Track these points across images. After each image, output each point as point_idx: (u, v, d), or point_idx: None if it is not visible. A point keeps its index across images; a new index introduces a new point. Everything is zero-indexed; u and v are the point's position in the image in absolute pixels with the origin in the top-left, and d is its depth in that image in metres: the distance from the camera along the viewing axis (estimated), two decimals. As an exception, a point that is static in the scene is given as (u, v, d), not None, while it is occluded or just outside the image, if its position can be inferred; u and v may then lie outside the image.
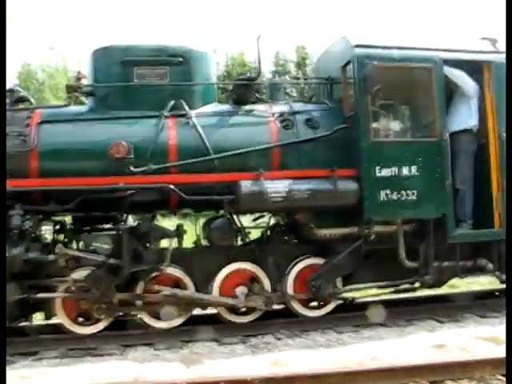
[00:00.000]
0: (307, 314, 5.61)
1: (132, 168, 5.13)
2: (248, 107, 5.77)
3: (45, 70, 20.88)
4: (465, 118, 5.84)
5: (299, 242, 5.86)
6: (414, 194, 5.44)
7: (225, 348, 4.91)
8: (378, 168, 5.36)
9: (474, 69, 5.85)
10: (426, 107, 5.71)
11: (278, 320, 5.53)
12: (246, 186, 5.18)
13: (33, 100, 5.83)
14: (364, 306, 5.82)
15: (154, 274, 5.21)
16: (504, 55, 5.81)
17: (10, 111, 5.22)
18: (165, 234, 5.22)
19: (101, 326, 5.21)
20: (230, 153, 5.38)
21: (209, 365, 4.42)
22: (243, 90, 5.83)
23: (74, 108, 5.66)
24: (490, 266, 5.83)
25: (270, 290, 5.51)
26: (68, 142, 5.23)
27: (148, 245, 5.14)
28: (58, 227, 5.56)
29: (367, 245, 5.49)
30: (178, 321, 5.35)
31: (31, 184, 4.99)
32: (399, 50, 5.54)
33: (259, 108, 5.78)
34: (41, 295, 4.99)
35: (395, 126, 5.61)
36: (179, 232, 5.47)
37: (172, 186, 5.11)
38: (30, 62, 21.13)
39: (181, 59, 5.63)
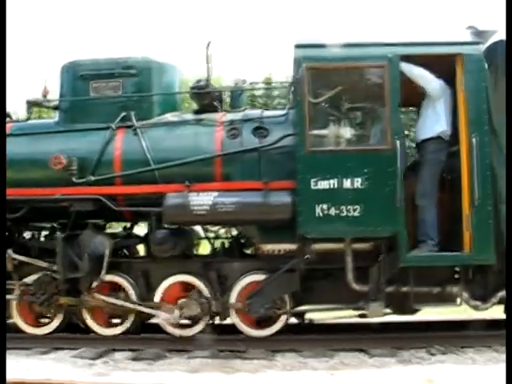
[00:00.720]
0: (252, 333, 5.34)
1: (74, 179, 5.38)
2: (201, 116, 5.67)
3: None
4: (431, 123, 5.06)
5: (247, 257, 5.60)
6: (357, 209, 4.86)
7: (375, 360, 4.75)
8: (314, 180, 4.88)
9: (447, 64, 5.03)
10: (376, 111, 5.06)
11: (432, 333, 5.38)
12: (171, 198, 5.11)
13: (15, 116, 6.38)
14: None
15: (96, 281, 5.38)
16: (481, 46, 4.92)
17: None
18: (101, 243, 5.36)
19: (53, 325, 5.56)
20: (168, 164, 5.35)
21: (357, 376, 4.29)
22: (197, 98, 5.75)
23: (41, 122, 6.11)
24: (465, 295, 4.98)
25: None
26: (25, 153, 5.64)
27: (85, 253, 5.33)
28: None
29: (308, 263, 5.04)
30: (121, 328, 5.48)
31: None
32: (346, 48, 4.98)
33: (211, 117, 5.64)
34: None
35: (339, 133, 5.04)
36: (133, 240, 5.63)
37: (101, 197, 5.26)
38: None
39: (133, 71, 5.74)
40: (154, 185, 5.35)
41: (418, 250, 4.94)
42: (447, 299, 5.05)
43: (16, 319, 5.58)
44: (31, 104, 5.89)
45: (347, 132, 5.00)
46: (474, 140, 4.79)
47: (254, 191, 5.07)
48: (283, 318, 5.31)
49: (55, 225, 6.18)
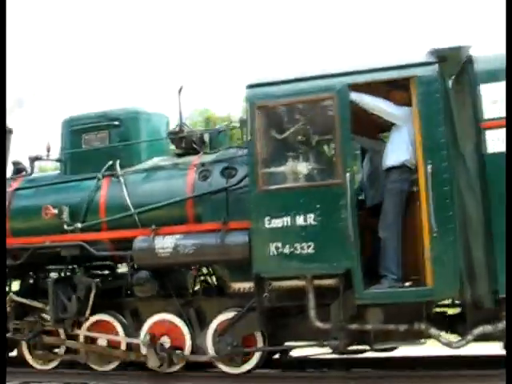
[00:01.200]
0: (227, 370, 5.37)
1: (65, 226, 5.86)
2: (177, 160, 5.91)
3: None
4: (396, 151, 4.85)
5: (223, 296, 5.64)
6: (310, 246, 4.74)
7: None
8: (267, 218, 4.86)
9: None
10: (328, 144, 4.93)
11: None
12: (138, 242, 5.36)
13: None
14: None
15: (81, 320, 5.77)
16: (435, 66, 4.61)
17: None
18: (87, 285, 5.73)
19: (54, 364, 6.02)
20: (143, 208, 5.63)
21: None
22: (174, 143, 6.01)
23: (47, 174, 6.72)
24: (434, 331, 4.61)
25: (189, 344, 5.48)
26: (29, 205, 6.25)
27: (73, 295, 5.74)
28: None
29: (270, 301, 4.99)
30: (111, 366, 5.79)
31: None
32: (294, 83, 4.94)
33: (187, 160, 5.85)
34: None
35: (291, 169, 4.96)
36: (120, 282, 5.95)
37: (83, 244, 5.66)
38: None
39: (117, 122, 6.15)
40: (133, 229, 5.64)
41: (379, 285, 4.68)
42: (417, 336, 4.71)
43: (25, 354, 6.11)
44: (33, 159, 6.51)
45: (300, 168, 4.91)
46: (428, 167, 4.48)
47: (214, 232, 5.16)
48: (257, 355, 5.29)
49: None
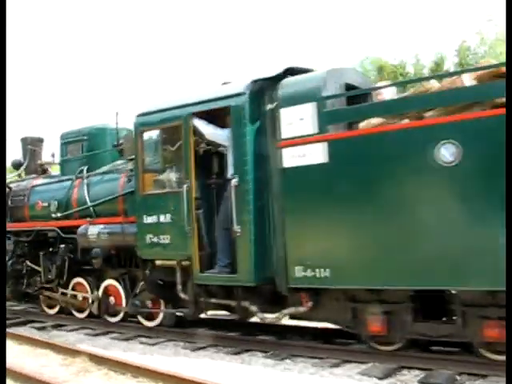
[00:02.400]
0: (145, 323, 7.27)
1: (52, 215, 8.22)
2: (119, 165, 7.79)
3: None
4: (228, 166, 6.04)
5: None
6: (167, 238, 6.35)
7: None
8: (145, 216, 6.56)
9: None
10: (178, 162, 6.34)
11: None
12: (80, 229, 7.48)
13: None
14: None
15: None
16: (244, 97, 5.74)
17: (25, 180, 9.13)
18: (63, 258, 8.04)
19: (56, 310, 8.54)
20: (89, 204, 7.69)
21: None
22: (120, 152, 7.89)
23: (52, 175, 9.11)
24: (253, 308, 5.92)
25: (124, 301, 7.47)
26: (33, 199, 8.71)
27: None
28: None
29: (151, 276, 6.74)
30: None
31: (10, 226, 8.76)
32: (161, 113, 6.45)
33: (125, 165, 7.68)
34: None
35: (158, 180, 6.54)
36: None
37: (55, 228, 7.95)
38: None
39: (86, 137, 8.26)
40: (79, 220, 7.75)
41: (212, 270, 6.11)
42: (244, 311, 6.06)
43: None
44: (42, 164, 9.00)
45: (162, 179, 6.48)
46: (233, 180, 5.73)
47: (119, 224, 7.02)
48: (161, 314, 7.07)
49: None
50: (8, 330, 7.07)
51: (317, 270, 5.24)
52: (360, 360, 5.33)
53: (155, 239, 6.47)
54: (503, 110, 4.32)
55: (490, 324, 4.64)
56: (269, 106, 5.66)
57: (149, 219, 6.53)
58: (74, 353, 6.02)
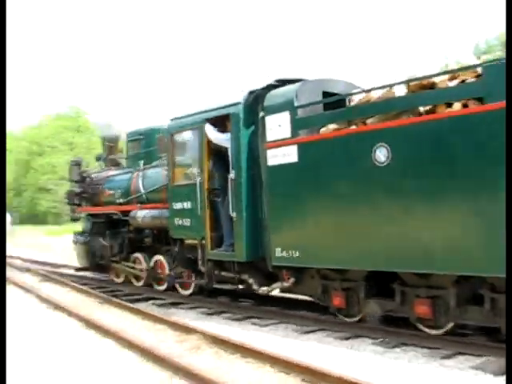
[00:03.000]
0: (182, 293, 8.78)
1: (116, 201, 10.03)
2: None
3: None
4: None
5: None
6: (188, 221, 7.75)
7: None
8: (174, 203, 8.02)
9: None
10: (196, 159, 7.65)
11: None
12: (131, 213, 9.16)
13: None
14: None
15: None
16: (240, 105, 6.90)
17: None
18: (123, 237, 9.82)
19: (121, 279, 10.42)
20: (139, 193, 9.34)
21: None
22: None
23: (124, 167, 10.92)
24: (250, 280, 7.13)
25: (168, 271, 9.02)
26: (106, 187, 10.57)
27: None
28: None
29: (180, 253, 8.20)
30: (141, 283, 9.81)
31: (89, 209, 10.76)
32: (186, 118, 7.83)
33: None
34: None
35: (182, 174, 7.93)
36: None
37: (116, 212, 9.73)
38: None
39: (142, 136, 9.94)
40: (133, 205, 9.44)
41: (220, 248, 7.38)
42: (245, 283, 7.27)
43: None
44: (113, 159, 10.89)
45: (186, 173, 7.87)
46: (230, 175, 6.95)
47: (160, 209, 8.56)
48: (193, 285, 8.52)
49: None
50: (132, 305, 7.96)
51: (290, 252, 6.31)
52: (473, 353, 5.10)
53: (181, 222, 7.92)
54: (423, 118, 5.06)
55: (421, 302, 5.41)
56: (261, 114, 6.75)
57: (177, 205, 7.99)
58: (189, 330, 6.28)
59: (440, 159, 4.92)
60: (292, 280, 6.67)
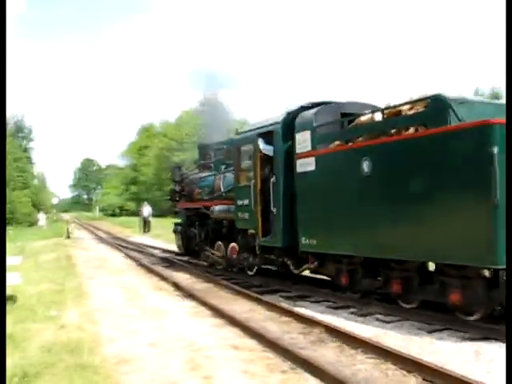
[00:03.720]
0: (248, 273, 10.91)
1: (203, 198, 12.45)
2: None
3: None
4: None
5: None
6: (247, 215, 9.82)
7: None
8: (238, 200, 10.15)
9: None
10: (251, 166, 9.69)
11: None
12: (211, 208, 11.51)
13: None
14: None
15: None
16: (278, 125, 8.81)
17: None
18: (207, 227, 12.21)
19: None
20: (219, 192, 11.62)
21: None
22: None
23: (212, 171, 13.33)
24: (289, 262, 9.02)
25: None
26: (197, 186, 13.09)
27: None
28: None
29: (246, 240, 10.32)
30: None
31: (184, 205, 13.35)
32: (245, 134, 9.94)
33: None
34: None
35: (245, 177, 9.99)
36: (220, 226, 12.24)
37: (201, 207, 12.14)
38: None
39: (225, 146, 12.24)
40: (213, 201, 11.76)
41: (267, 236, 9.33)
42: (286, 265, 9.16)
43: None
44: (201, 164, 13.37)
45: (247, 176, 9.94)
46: (272, 178, 8.89)
47: (229, 205, 10.78)
48: (254, 268, 10.60)
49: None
50: (261, 297, 8.33)
51: (311, 240, 8.10)
52: None
53: (242, 215, 10.03)
54: (389, 139, 6.62)
55: (395, 281, 6.92)
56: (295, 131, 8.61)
57: (239, 202, 10.11)
58: (313, 323, 6.38)
59: (401, 171, 6.43)
60: (316, 263, 8.43)
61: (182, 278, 11.36)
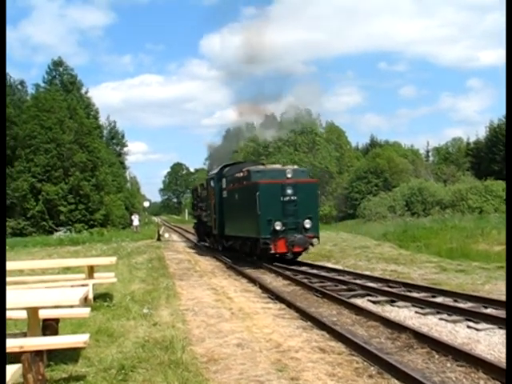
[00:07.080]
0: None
1: (203, 208, 17.24)
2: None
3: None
4: None
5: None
6: (209, 218, 18.51)
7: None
8: (207, 211, 18.97)
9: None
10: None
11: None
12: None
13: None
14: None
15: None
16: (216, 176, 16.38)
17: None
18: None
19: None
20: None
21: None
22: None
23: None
24: (221, 240, 16.12)
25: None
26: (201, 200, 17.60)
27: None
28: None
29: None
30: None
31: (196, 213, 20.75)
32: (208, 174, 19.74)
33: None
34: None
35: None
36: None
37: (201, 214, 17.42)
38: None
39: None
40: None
41: (215, 229, 16.40)
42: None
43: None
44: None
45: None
46: (214, 201, 16.21)
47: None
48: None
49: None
50: (348, 300, 8.13)
51: (227, 229, 17.01)
52: None
53: (208, 219, 18.05)
54: (240, 185, 15.13)
55: (246, 245, 15.26)
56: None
57: (208, 212, 18.55)
58: (401, 328, 6.19)
59: (238, 197, 14.73)
60: (230, 242, 16.79)
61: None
